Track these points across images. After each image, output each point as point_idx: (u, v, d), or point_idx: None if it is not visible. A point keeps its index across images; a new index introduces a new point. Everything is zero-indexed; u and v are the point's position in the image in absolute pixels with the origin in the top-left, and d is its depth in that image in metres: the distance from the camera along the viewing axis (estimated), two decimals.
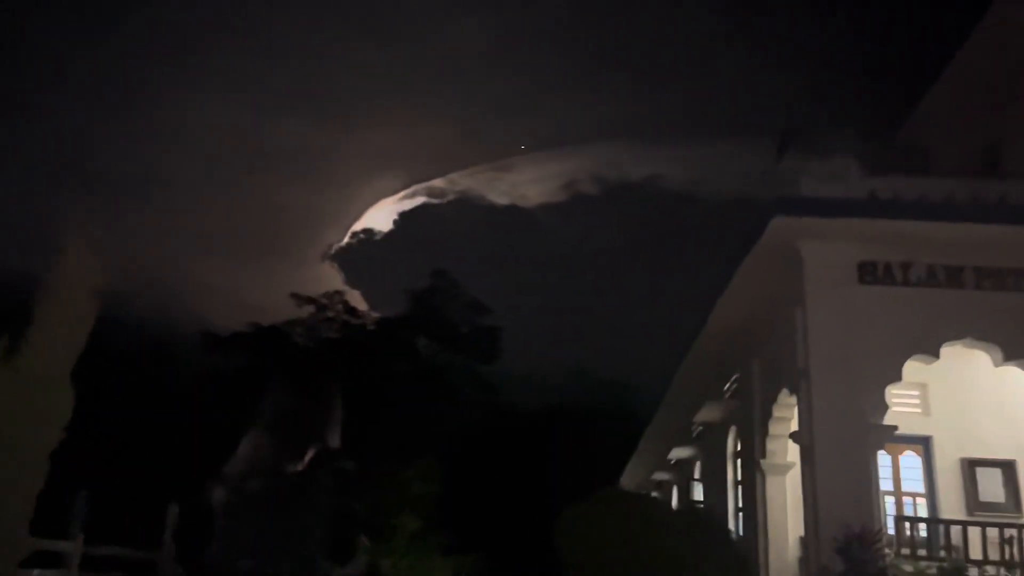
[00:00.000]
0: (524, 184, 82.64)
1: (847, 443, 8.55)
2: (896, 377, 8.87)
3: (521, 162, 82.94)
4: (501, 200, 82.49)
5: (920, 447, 10.82)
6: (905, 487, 10.80)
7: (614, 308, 64.18)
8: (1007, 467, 10.56)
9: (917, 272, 9.15)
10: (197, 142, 72.75)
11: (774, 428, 10.53)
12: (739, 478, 12.49)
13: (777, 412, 10.38)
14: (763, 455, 10.76)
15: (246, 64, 73.57)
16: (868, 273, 9.16)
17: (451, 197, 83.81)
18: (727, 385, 13.03)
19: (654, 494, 20.78)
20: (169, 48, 71.13)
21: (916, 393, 10.83)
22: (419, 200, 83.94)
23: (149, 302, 48.98)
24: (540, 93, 78.06)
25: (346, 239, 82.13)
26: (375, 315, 35.47)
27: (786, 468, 10.61)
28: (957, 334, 8.96)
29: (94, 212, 64.28)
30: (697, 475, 15.55)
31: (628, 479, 23.63)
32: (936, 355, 8.95)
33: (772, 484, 10.74)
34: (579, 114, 79.19)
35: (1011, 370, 9.45)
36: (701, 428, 14.66)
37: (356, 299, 40.45)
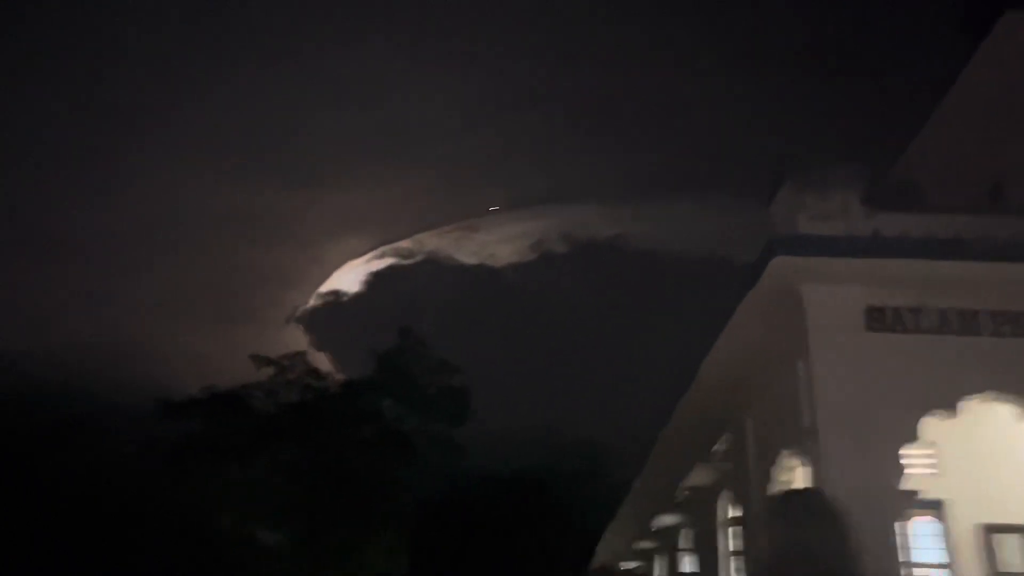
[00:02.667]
0: (493, 244, 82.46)
1: (864, 512, 7.44)
2: (912, 436, 7.98)
3: (489, 222, 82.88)
4: (470, 260, 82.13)
5: (934, 512, 9.87)
6: (919, 557, 9.80)
7: (586, 368, 63.27)
8: None
9: (929, 318, 8.33)
10: (161, 206, 71.66)
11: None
12: (735, 548, 11.39)
13: (778, 476, 9.37)
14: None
15: (211, 127, 73.10)
16: (876, 319, 8.31)
17: (419, 257, 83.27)
18: (716, 446, 12.04)
19: (635, 565, 19.54)
20: (132, 111, 70.49)
21: (927, 452, 9.91)
22: (387, 261, 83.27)
23: (104, 368, 47.11)
24: (508, 153, 78.47)
25: (313, 301, 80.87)
26: (339, 377, 34.11)
27: None
28: (976, 387, 8.09)
29: (49, 276, 62.49)
30: (684, 544, 14.40)
31: (606, 548, 22.35)
32: (954, 411, 8.08)
33: None
34: (547, 174, 79.63)
35: None
36: (687, 493, 13.59)
37: (321, 361, 39.09)
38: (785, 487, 9.53)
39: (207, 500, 26.66)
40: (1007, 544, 9.67)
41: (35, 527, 24.78)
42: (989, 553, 9.65)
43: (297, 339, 65.24)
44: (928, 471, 9.98)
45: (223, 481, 27.18)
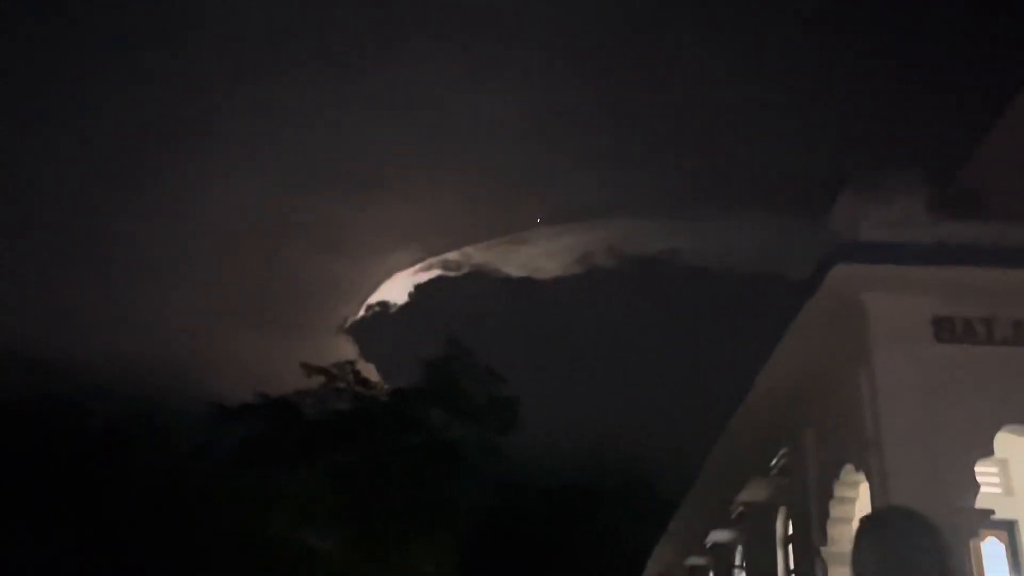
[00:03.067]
0: (539, 257, 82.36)
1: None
2: (987, 451, 7.65)
3: (536, 235, 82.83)
4: (516, 273, 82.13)
5: (1004, 533, 9.44)
6: None
7: (632, 382, 62.64)
8: None
9: (1002, 329, 8.00)
10: (210, 215, 73.12)
11: (836, 510, 9.20)
12: (792, 567, 11.07)
13: (839, 492, 9.07)
14: (823, 541, 9.40)
15: (261, 138, 74.51)
16: (945, 330, 8.00)
17: (466, 270, 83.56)
18: (774, 460, 11.74)
19: None
20: (185, 122, 72.20)
21: (995, 470, 9.52)
22: (434, 273, 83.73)
23: (161, 374, 48.17)
24: (556, 166, 78.38)
25: (361, 312, 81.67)
26: (388, 386, 34.33)
27: None
28: None
29: (107, 286, 64.21)
30: (738, 561, 14.06)
31: (656, 564, 21.98)
32: None
33: (836, 575, 9.34)
34: (595, 187, 79.26)
35: None
36: (742, 508, 13.26)
37: (369, 371, 39.41)
38: (844, 502, 9.26)
39: (260, 503, 27.04)
40: None
41: (94, 528, 25.34)
42: None
43: (346, 349, 65.96)
44: (996, 490, 9.59)
45: (276, 485, 27.55)
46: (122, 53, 67.96)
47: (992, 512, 7.57)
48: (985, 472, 9.16)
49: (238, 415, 29.98)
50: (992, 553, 9.51)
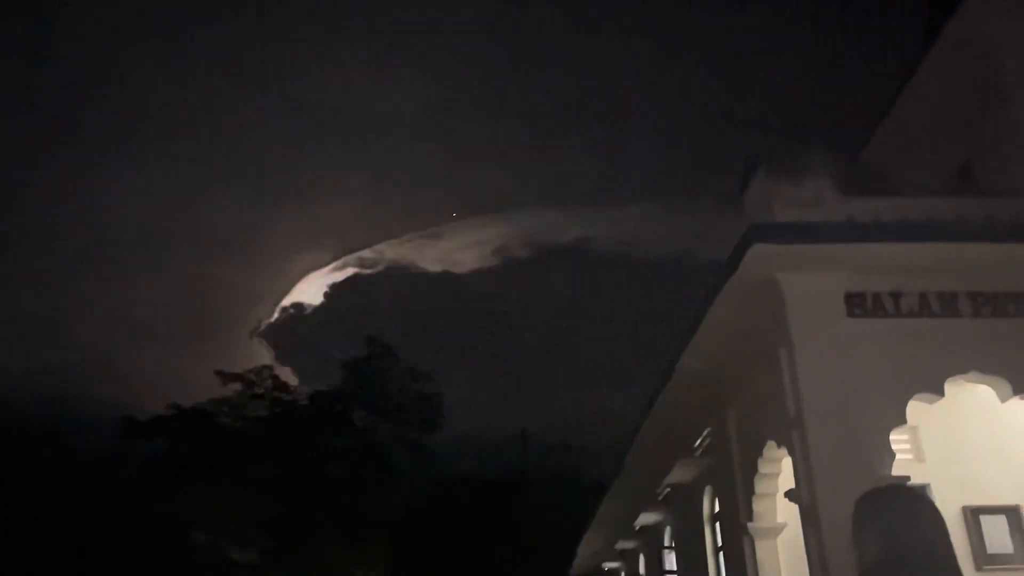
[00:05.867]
0: (455, 250, 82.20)
1: (855, 499, 7.42)
2: (900, 420, 7.89)
3: (451, 229, 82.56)
4: (433, 267, 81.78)
5: None
6: None
7: (556, 370, 63.19)
8: (1012, 513, 9.61)
9: (909, 302, 8.26)
10: (118, 220, 70.15)
11: (760, 486, 9.40)
12: (720, 543, 11.27)
13: (763, 468, 9.27)
14: (750, 517, 9.60)
15: (168, 141, 71.83)
16: (857, 305, 8.22)
17: (382, 266, 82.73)
18: (698, 441, 11.91)
19: (616, 565, 19.41)
20: (86, 126, 68.96)
21: (906, 437, 9.86)
22: (349, 271, 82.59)
23: (70, 386, 45.91)
24: (467, 160, 78.20)
25: (275, 315, 79.86)
26: (307, 390, 33.58)
27: (777, 530, 9.47)
28: (960, 368, 8.04)
29: (14, 295, 60.84)
30: (667, 542, 14.26)
31: (586, 548, 22.17)
32: (941, 393, 8.02)
33: (763, 549, 9.55)
34: (508, 179, 79.45)
35: (1008, 406, 8.62)
36: (668, 490, 13.45)
37: (288, 375, 38.45)
38: (768, 478, 9.45)
39: (178, 517, 26.07)
40: (993, 525, 9.63)
41: (3, 546, 23.96)
42: (976, 536, 9.61)
43: (262, 353, 64.31)
44: (908, 456, 9.95)
45: (193, 498, 26.60)
46: (20, 48, 64.30)
47: (908, 479, 7.79)
48: (898, 440, 9.52)
49: (150, 428, 28.79)
50: None
